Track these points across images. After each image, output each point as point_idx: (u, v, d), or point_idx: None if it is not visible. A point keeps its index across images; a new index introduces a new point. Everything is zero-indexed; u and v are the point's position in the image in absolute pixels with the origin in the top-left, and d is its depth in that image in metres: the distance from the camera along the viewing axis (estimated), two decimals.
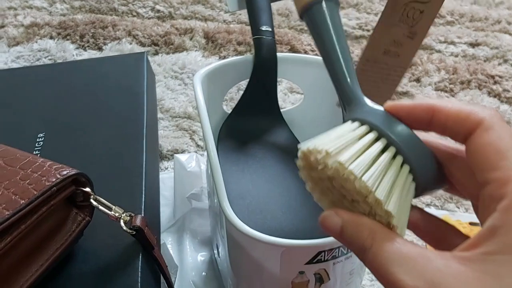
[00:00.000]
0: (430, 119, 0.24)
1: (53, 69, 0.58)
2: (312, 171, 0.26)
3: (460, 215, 0.60)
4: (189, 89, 0.78)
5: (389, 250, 0.21)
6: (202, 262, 0.54)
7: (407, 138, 0.24)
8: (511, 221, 0.19)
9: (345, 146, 0.24)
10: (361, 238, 0.23)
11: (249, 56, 0.50)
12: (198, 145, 0.69)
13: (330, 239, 0.37)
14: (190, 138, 0.70)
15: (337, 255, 0.38)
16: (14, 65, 0.81)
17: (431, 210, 0.61)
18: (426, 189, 0.25)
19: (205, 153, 0.65)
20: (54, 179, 0.33)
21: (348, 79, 0.28)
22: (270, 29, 0.49)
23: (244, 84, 0.50)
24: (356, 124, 0.25)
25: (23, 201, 0.31)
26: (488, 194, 0.21)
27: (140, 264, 0.35)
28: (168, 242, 0.54)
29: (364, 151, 0.24)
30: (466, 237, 0.25)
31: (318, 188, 0.27)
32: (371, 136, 0.24)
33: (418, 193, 0.24)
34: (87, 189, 0.35)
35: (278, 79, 0.50)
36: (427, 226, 0.27)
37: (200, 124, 0.72)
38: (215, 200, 0.45)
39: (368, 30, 0.92)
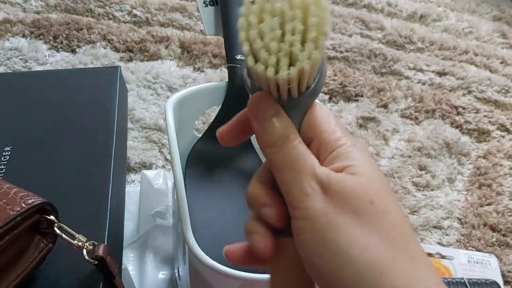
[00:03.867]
0: None
1: (23, 77, 0.57)
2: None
3: None
4: (162, 100, 0.78)
5: None
6: (162, 280, 0.55)
7: None
8: None
9: None
10: None
11: (222, 83, 0.50)
12: (166, 159, 0.69)
13: None
14: (159, 151, 0.70)
15: None
16: None
17: None
18: None
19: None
20: (18, 209, 0.33)
21: None
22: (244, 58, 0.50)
23: (216, 109, 0.51)
24: None
25: None
26: None
27: None
28: (129, 259, 0.54)
29: None
30: None
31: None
32: None
33: None
34: (52, 217, 0.35)
35: None
36: None
37: None
38: (180, 227, 0.45)
39: (341, 52, 0.94)
